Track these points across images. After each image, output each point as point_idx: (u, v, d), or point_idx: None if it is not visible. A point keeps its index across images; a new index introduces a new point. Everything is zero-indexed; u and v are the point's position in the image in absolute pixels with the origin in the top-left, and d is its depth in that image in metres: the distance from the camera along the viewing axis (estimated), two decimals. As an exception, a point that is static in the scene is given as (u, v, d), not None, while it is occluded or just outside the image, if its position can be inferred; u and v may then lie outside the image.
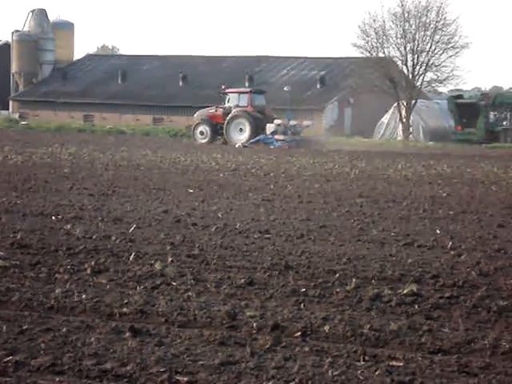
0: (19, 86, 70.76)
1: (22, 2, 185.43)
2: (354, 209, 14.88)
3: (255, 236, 11.15)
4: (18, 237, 10.13)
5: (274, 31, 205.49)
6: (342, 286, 8.07)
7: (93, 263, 8.69)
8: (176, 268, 8.62)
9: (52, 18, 73.11)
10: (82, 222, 11.89)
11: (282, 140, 43.65)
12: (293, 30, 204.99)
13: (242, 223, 12.31)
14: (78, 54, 79.69)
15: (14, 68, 70.65)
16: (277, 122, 44.29)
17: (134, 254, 9.26)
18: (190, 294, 7.55)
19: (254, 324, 6.50)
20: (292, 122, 44.91)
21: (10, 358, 5.41)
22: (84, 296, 7.22)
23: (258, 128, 44.60)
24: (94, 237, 10.48)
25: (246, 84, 64.41)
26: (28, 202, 13.92)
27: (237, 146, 43.31)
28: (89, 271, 8.33)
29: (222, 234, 11.20)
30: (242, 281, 8.09)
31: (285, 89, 47.80)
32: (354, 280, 8.18)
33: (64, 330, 6.17)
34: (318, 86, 62.77)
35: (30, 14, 71.78)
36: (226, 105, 46.04)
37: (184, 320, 6.64)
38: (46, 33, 71.28)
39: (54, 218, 12.15)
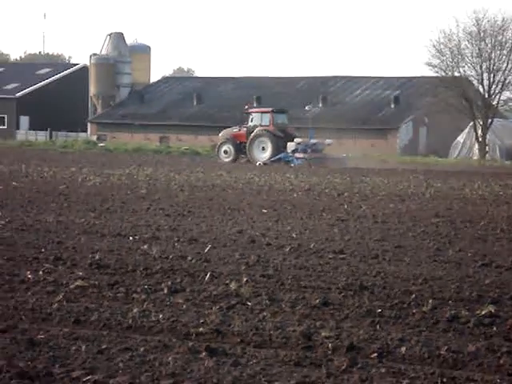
0: (97, 109, 72.07)
1: (100, 26, 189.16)
2: (429, 229, 14.74)
3: (330, 256, 11.13)
4: (97, 257, 10.31)
5: (349, 51, 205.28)
6: (418, 306, 8.00)
7: (169, 283, 8.78)
8: (251, 288, 8.65)
9: (129, 41, 74.39)
10: (158, 242, 12.03)
11: (302, 158, 44.66)
12: (367, 50, 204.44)
13: (316, 243, 12.30)
14: (155, 77, 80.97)
15: (92, 91, 72.01)
16: (297, 140, 45.47)
17: (209, 274, 9.34)
18: (265, 314, 7.57)
19: (330, 345, 6.48)
20: (313, 141, 46.03)
21: (89, 377, 5.50)
22: (161, 316, 7.30)
23: (279, 146, 45.78)
24: (171, 257, 10.60)
25: (320, 104, 64.48)
26: (106, 223, 14.16)
27: (258, 164, 44.45)
28: (165, 291, 8.43)
29: (297, 254, 11.21)
30: (317, 301, 8.08)
31: (306, 108, 48.97)
32: (430, 301, 8.10)
33: (142, 349, 6.24)
34: (393, 106, 62.44)
35: (108, 37, 73.15)
36: (250, 124, 47.15)
37: (259, 340, 6.66)
38: (123, 56, 72.52)
39: (131, 238, 12.33)
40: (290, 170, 37.03)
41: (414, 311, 7.79)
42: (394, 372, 5.87)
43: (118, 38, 73.13)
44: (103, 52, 72.82)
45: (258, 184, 26.39)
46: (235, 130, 48.08)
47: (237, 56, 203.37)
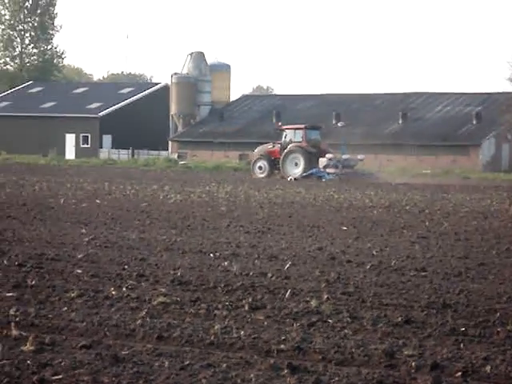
0: (178, 127, 72.88)
1: (181, 46, 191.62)
2: (513, 246, 14.46)
3: (411, 274, 11.02)
4: (178, 274, 10.41)
5: (429, 67, 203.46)
6: (503, 325, 7.85)
7: (250, 300, 8.81)
8: (332, 305, 8.62)
9: (209, 60, 75.08)
10: (238, 259, 12.09)
11: (333, 173, 45.60)
12: (448, 66, 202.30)
13: (397, 260, 12.19)
14: (234, 95, 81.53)
15: (173, 109, 72.86)
16: (328, 156, 46.37)
17: (289, 290, 9.33)
18: (346, 331, 7.54)
19: (413, 363, 6.41)
20: (344, 156, 46.92)
21: (173, 392, 5.54)
22: (242, 332, 7.33)
23: (311, 162, 46.76)
24: (251, 273, 10.63)
25: (400, 121, 63.99)
26: (187, 240, 14.29)
27: (289, 179, 45.58)
28: (246, 307, 8.45)
29: (378, 272, 11.13)
30: (399, 319, 8.00)
31: (339, 125, 49.95)
32: (515, 320, 7.95)
33: (224, 365, 6.27)
34: (474, 122, 61.57)
35: (189, 56, 73.96)
36: (283, 140, 48.45)
37: (341, 358, 6.63)
38: (203, 75, 73.24)
39: (212, 255, 12.41)
40: (370, 187, 36.81)
41: (499, 330, 7.65)
42: (478, 392, 5.78)
43: (198, 57, 73.88)
44: (184, 71, 73.64)
45: (338, 201, 26.31)
46: (269, 146, 49.47)
47: (316, 73, 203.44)
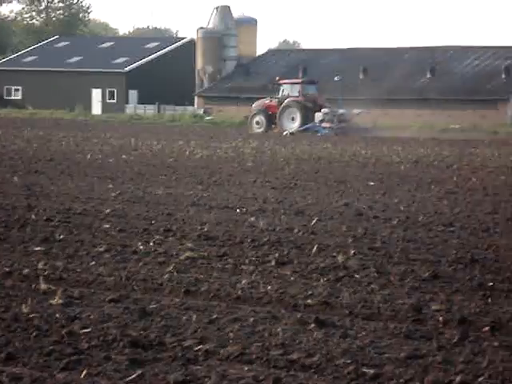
0: (204, 82, 72.61)
1: (207, 0, 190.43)
2: (542, 201, 14.35)
3: (439, 229, 10.97)
4: (205, 229, 10.43)
5: (458, 20, 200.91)
6: (531, 280, 7.82)
7: (277, 255, 8.82)
8: (359, 260, 8.62)
9: (236, 14, 74.49)
10: (265, 214, 12.09)
11: (329, 127, 45.40)
12: (477, 19, 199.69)
13: (424, 216, 12.14)
14: (260, 50, 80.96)
15: (198, 64, 72.55)
16: (324, 110, 46.13)
17: (316, 246, 9.33)
18: (373, 286, 7.53)
19: (440, 318, 6.41)
20: (340, 111, 46.55)
21: (201, 346, 5.58)
22: (269, 287, 7.35)
23: (308, 117, 46.46)
24: (278, 229, 10.64)
25: (428, 75, 63.39)
26: (213, 195, 14.30)
27: (284, 133, 45.20)
28: (273, 263, 8.47)
29: (405, 227, 11.09)
30: (427, 274, 7.99)
31: (335, 79, 49.61)
32: (544, 275, 7.91)
33: (251, 320, 6.30)
34: (503, 76, 60.85)
35: (215, 11, 73.39)
36: (280, 95, 48.04)
37: (368, 312, 6.63)
38: (229, 29, 72.71)
39: (238, 210, 12.42)
40: (398, 142, 36.60)
41: (527, 285, 7.62)
42: (507, 346, 5.76)
43: (224, 11, 73.30)
44: (210, 25, 73.15)
45: (365, 156, 26.19)
46: (267, 101, 49.11)
47: (343, 28, 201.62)
